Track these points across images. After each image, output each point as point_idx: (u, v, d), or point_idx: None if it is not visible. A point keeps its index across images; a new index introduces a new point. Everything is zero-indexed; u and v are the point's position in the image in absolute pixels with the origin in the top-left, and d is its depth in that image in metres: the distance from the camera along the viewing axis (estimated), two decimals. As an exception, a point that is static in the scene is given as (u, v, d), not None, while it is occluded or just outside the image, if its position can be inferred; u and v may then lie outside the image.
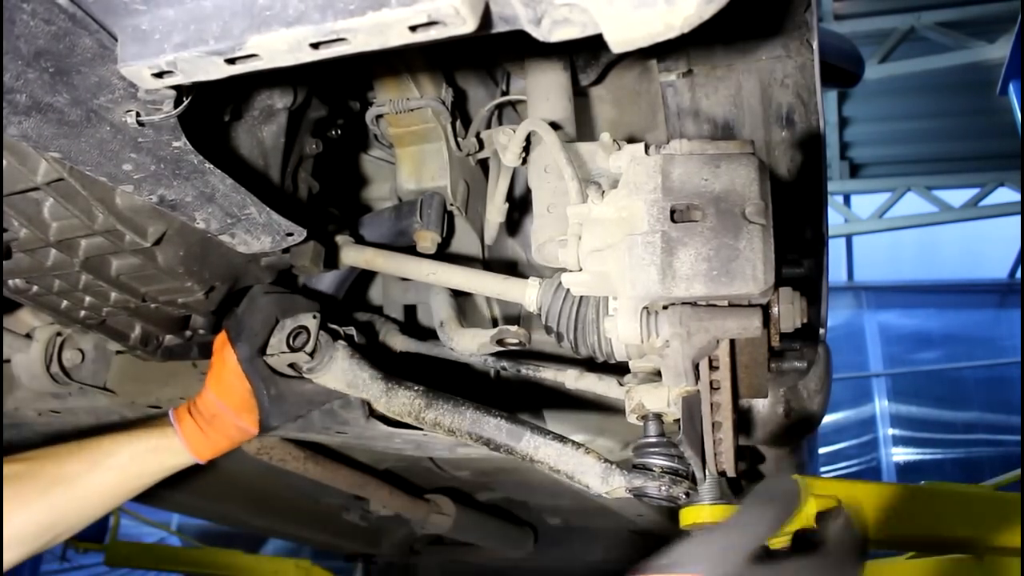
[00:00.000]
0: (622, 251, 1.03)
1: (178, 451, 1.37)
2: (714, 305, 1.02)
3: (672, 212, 1.02)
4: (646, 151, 1.14)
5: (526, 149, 1.40)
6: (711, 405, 1.05)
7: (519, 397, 2.01)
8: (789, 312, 1.12)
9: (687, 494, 1.21)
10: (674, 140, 1.14)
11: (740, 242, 0.98)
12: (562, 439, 1.27)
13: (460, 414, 1.34)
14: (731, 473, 1.09)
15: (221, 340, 1.39)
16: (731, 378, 1.05)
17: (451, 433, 1.34)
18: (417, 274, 1.48)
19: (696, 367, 1.06)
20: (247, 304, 1.41)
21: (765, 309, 1.03)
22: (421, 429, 1.40)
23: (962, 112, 9.17)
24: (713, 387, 1.05)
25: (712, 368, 1.05)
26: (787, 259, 1.18)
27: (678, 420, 1.19)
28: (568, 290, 1.22)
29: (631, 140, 1.19)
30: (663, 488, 1.19)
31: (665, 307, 1.04)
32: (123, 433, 1.38)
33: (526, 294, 1.33)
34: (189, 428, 1.37)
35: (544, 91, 1.54)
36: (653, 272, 0.99)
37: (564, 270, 1.17)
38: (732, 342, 1.05)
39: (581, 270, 1.12)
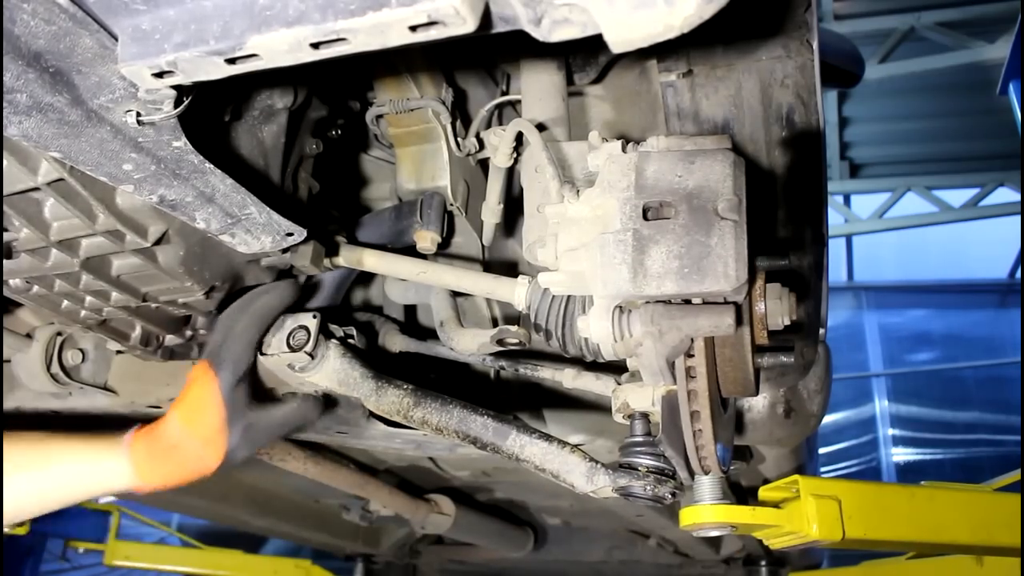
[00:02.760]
0: (595, 250, 1.03)
1: (122, 474, 1.28)
2: (687, 302, 1.01)
3: (645, 210, 1.01)
4: (624, 149, 1.13)
5: (517, 150, 1.39)
6: (688, 393, 1.03)
7: (520, 398, 2.01)
8: (777, 309, 1.11)
9: (673, 494, 1.21)
10: (651, 137, 1.12)
11: (712, 239, 0.96)
12: (548, 438, 1.27)
13: (447, 412, 1.34)
14: (714, 468, 1.08)
15: (202, 368, 1.31)
16: (707, 365, 1.03)
17: (439, 431, 1.33)
18: (407, 273, 1.48)
19: (672, 365, 1.05)
20: (225, 329, 1.32)
21: (739, 306, 1.02)
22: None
23: (962, 112, 9.18)
24: (690, 375, 1.04)
25: (688, 355, 1.03)
26: (770, 252, 1.17)
27: None
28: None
29: (627, 139, 1.17)
30: (648, 488, 1.19)
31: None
32: (79, 440, 1.31)
33: (515, 293, 1.32)
34: (140, 455, 1.28)
35: (537, 91, 1.53)
36: (624, 271, 0.98)
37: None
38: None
39: (558, 270, 1.11)
